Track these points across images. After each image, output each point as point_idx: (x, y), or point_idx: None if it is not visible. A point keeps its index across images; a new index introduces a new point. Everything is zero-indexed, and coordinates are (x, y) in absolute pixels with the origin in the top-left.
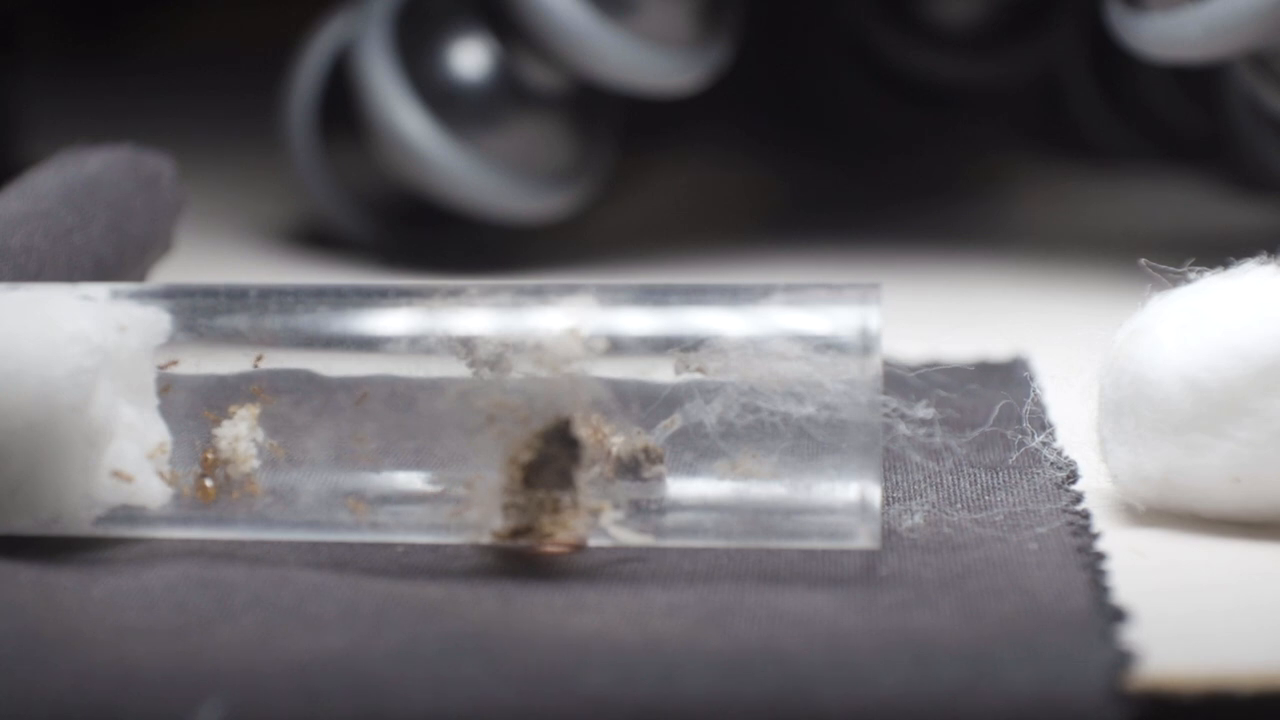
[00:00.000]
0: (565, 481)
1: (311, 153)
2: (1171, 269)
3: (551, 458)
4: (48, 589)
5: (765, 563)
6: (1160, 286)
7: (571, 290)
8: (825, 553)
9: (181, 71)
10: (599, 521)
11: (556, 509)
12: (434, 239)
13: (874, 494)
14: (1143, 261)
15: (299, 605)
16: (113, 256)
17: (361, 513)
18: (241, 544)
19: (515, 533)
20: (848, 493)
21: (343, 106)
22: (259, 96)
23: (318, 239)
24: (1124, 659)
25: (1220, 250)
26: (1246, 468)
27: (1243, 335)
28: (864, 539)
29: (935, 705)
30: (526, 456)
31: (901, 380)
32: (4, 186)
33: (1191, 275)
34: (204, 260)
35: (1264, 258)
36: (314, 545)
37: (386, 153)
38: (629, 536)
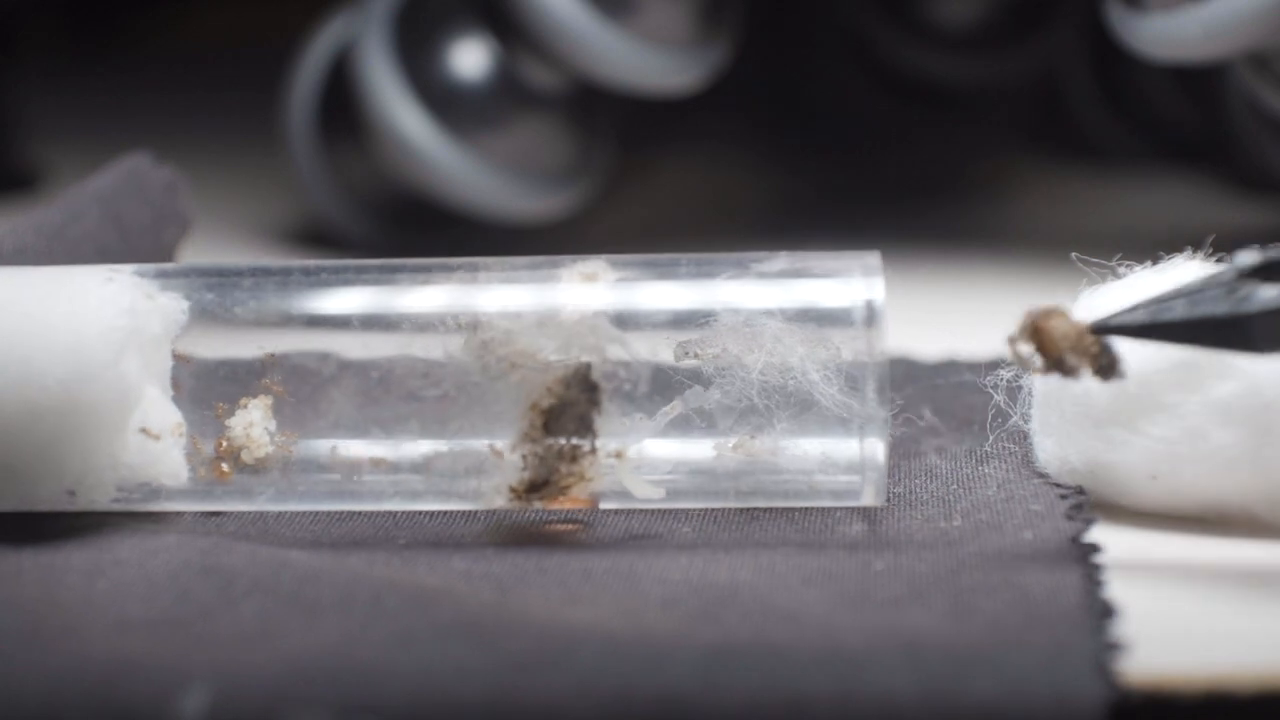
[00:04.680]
0: (585, 427)
1: (311, 153)
2: (1103, 262)
3: (571, 403)
4: (52, 584)
5: (764, 559)
6: (1093, 280)
7: (583, 258)
8: (824, 548)
9: (181, 72)
10: (619, 466)
11: (575, 457)
12: (434, 239)
13: (879, 452)
14: (1074, 256)
15: (298, 590)
16: (117, 243)
17: (383, 472)
18: (245, 528)
19: (533, 486)
20: (852, 452)
21: (343, 106)
22: (259, 96)
23: (318, 239)
24: (1112, 655)
25: (1220, 250)
26: (1162, 465)
27: None
28: (869, 498)
29: (923, 699)
30: (547, 402)
31: (908, 377)
32: (4, 189)
33: (1121, 269)
34: (202, 260)
35: (1189, 252)
36: (315, 531)
37: (386, 153)
38: (643, 488)
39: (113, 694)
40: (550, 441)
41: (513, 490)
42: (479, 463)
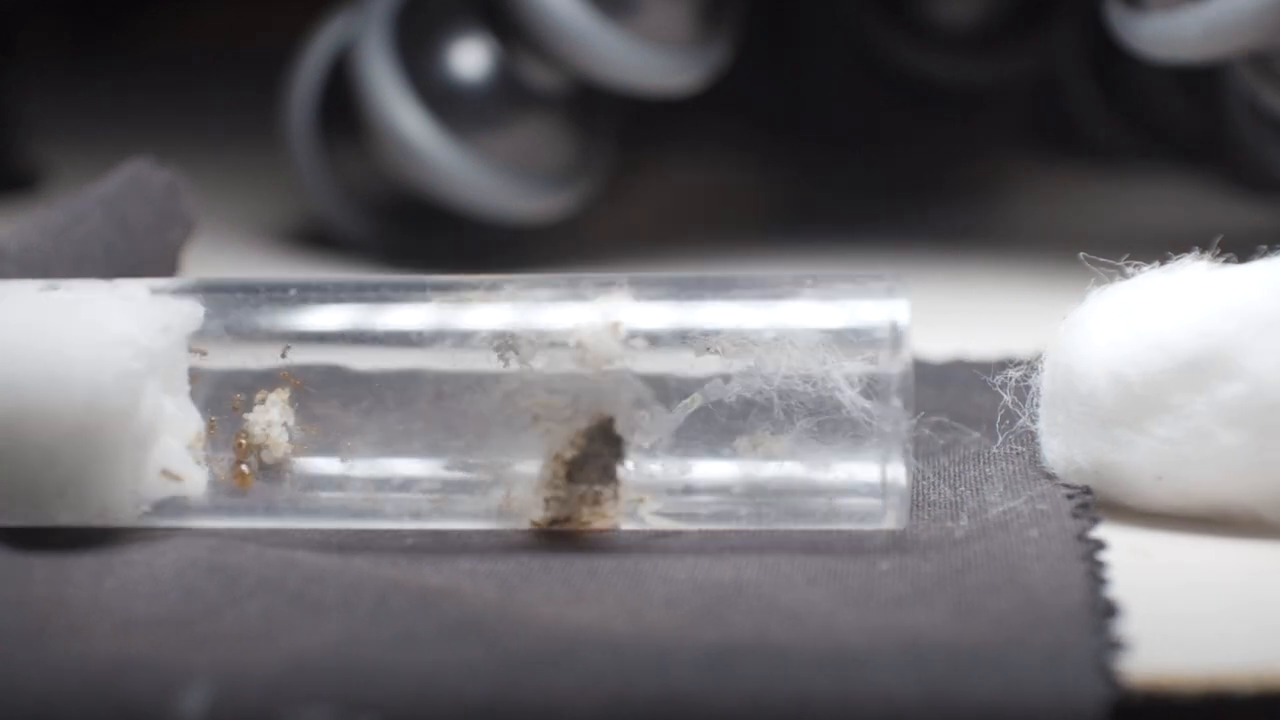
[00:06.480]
0: (608, 477)
1: (311, 153)
2: (1111, 262)
3: (594, 455)
4: (60, 583)
5: (769, 559)
6: (1101, 280)
7: (606, 285)
8: (830, 549)
9: (182, 72)
10: (638, 511)
11: (597, 501)
12: (434, 239)
13: (900, 476)
14: (1082, 255)
15: (303, 590)
16: (122, 242)
17: (402, 502)
18: (258, 529)
19: (554, 522)
20: (873, 475)
21: (343, 106)
22: (259, 96)
23: (318, 239)
24: (1113, 655)
25: (1220, 250)
26: (1168, 467)
27: (1167, 330)
28: (890, 521)
29: (924, 699)
30: (570, 454)
31: (920, 376)
32: (4, 189)
33: (1129, 270)
34: (203, 261)
35: (1196, 252)
36: (323, 532)
37: (386, 153)
38: (665, 524)
39: (114, 692)
40: (573, 488)
41: (535, 523)
42: (499, 505)
